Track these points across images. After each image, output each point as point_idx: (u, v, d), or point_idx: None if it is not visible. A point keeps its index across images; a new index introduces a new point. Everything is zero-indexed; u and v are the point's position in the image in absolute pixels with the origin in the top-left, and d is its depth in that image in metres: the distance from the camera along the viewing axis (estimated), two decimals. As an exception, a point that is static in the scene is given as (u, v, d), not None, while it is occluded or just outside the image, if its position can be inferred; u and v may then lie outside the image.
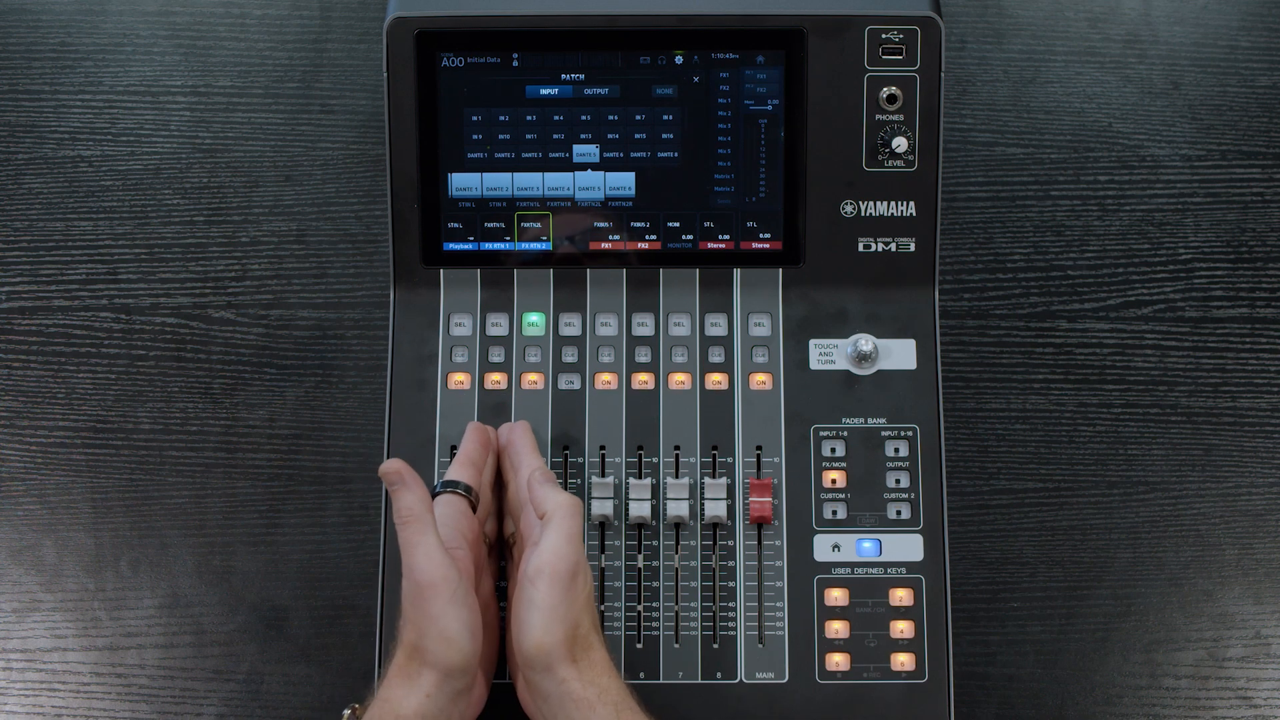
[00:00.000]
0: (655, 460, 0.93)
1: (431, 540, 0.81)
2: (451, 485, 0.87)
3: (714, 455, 0.93)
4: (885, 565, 0.92)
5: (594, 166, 0.95)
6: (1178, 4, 1.10)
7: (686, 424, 0.94)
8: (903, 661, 0.90)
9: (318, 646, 0.98)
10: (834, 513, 0.92)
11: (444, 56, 0.93)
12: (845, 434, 0.93)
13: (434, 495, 0.87)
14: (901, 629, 0.91)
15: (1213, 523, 1.00)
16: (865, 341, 0.94)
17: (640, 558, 0.92)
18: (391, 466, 0.82)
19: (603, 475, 0.93)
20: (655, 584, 0.92)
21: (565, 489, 0.92)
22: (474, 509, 0.88)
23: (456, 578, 0.81)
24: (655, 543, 0.92)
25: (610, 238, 0.95)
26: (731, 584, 0.91)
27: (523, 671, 0.83)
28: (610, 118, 0.94)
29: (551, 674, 0.81)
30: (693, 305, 0.96)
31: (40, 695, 0.97)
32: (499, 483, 0.92)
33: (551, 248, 0.95)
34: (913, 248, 0.95)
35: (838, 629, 0.91)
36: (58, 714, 0.97)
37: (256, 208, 1.05)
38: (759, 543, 0.92)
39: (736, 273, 0.96)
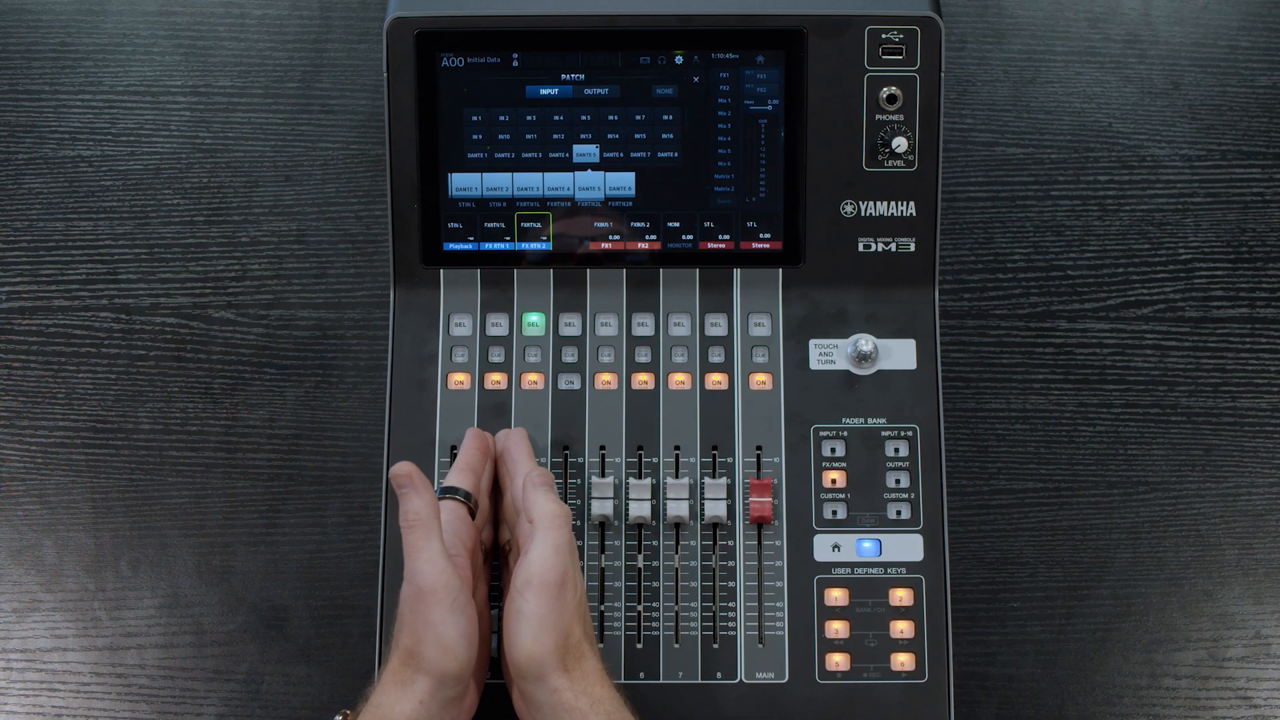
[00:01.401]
0: (655, 460, 0.93)
1: (436, 546, 0.81)
2: (451, 491, 0.87)
3: (714, 455, 0.93)
4: (885, 565, 0.91)
5: (594, 166, 0.95)
6: (1178, 4, 1.10)
7: (686, 424, 0.94)
8: (903, 661, 0.90)
9: (318, 646, 0.98)
10: (834, 513, 0.92)
11: (444, 56, 0.93)
12: (845, 434, 0.93)
13: None
14: (901, 629, 0.91)
15: (1213, 523, 1.00)
16: (865, 341, 0.94)
17: (640, 558, 0.92)
18: (402, 469, 0.82)
19: (603, 475, 0.93)
20: (655, 584, 0.91)
21: (565, 489, 0.92)
22: (472, 516, 0.87)
23: (458, 585, 0.81)
24: (655, 543, 0.92)
25: (610, 238, 0.95)
26: (731, 584, 0.91)
27: (516, 682, 0.83)
28: (610, 118, 0.94)
29: (544, 684, 0.80)
30: (693, 305, 0.96)
31: (40, 695, 0.97)
32: (496, 490, 0.91)
33: (551, 248, 0.95)
34: (913, 248, 0.95)
35: (838, 629, 0.90)
36: (58, 714, 0.97)
37: (256, 208, 1.05)
38: (759, 543, 0.92)
39: (736, 273, 0.96)
